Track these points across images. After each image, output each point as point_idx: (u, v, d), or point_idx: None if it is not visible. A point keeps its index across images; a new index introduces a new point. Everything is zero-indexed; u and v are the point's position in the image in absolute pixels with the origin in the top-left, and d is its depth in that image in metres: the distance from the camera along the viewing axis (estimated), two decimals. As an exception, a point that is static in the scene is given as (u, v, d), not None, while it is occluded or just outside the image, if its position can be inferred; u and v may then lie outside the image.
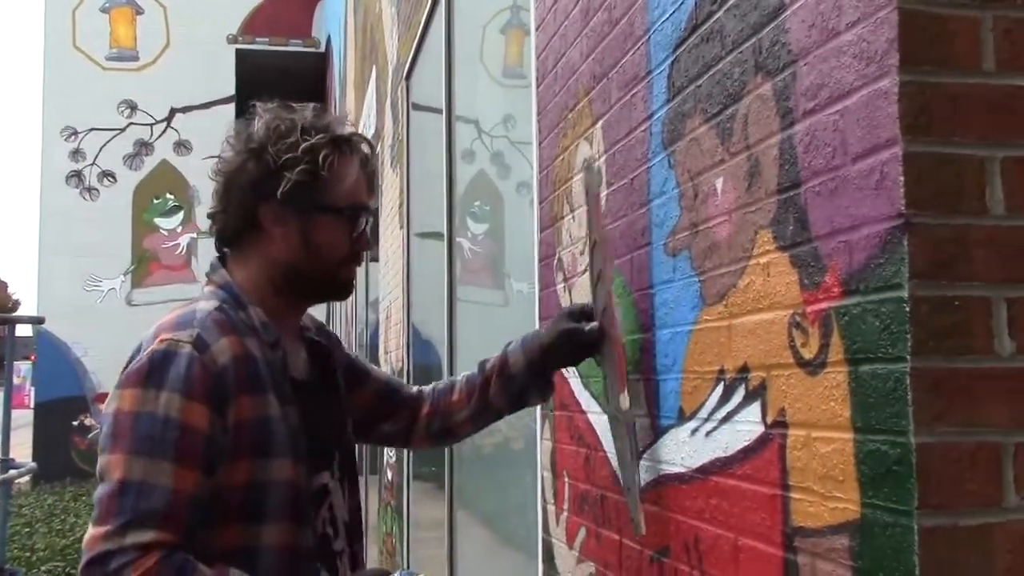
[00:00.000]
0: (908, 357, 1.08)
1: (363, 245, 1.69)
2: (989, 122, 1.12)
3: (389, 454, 7.00)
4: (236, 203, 1.62)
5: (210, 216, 1.68)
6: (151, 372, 1.48)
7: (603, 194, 1.96)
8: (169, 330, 1.53)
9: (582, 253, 2.28)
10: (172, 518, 1.42)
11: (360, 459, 7.63)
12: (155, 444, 1.44)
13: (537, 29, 2.74)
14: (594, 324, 1.85)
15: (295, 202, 1.59)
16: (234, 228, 1.65)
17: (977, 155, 1.11)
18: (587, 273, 2.23)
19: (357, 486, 1.79)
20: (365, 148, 1.69)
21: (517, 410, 1.97)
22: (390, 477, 6.94)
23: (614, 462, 2.03)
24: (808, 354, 1.28)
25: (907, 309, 1.08)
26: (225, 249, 1.69)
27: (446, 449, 4.84)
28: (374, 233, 8.23)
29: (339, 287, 1.71)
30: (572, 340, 1.84)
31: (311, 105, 1.66)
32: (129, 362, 1.53)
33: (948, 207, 1.10)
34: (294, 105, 1.65)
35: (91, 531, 1.43)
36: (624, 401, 1.79)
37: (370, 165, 1.70)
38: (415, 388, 1.98)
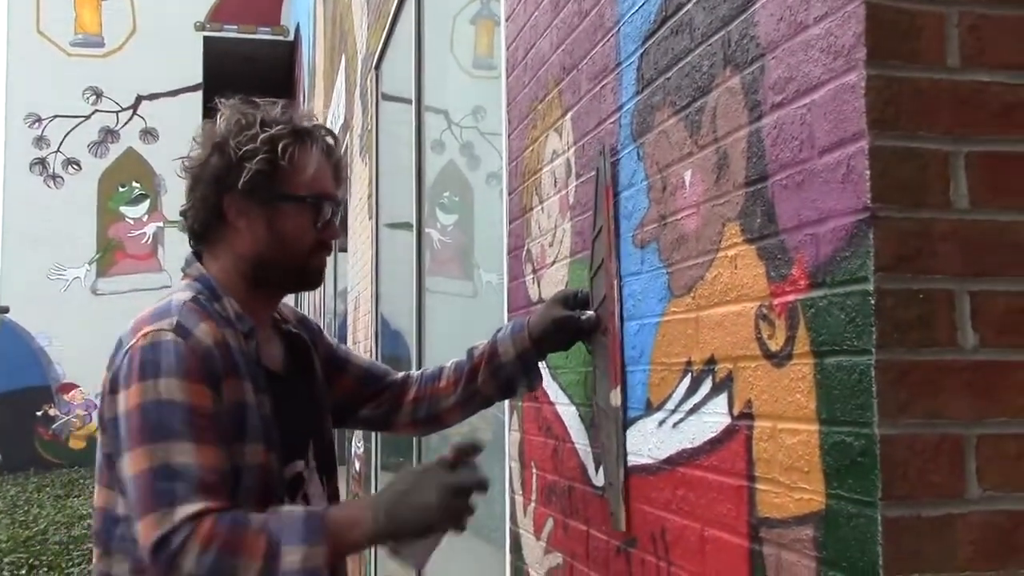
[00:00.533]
0: (873, 349, 1.08)
1: (331, 234, 1.70)
2: (954, 117, 1.13)
3: (357, 444, 6.98)
4: (202, 198, 1.64)
5: (182, 214, 1.70)
6: (143, 365, 1.50)
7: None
8: (148, 323, 1.55)
9: (551, 244, 2.28)
10: (208, 489, 1.46)
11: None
12: (167, 429, 1.47)
13: (507, 20, 2.74)
14: (590, 313, 1.85)
15: (257, 192, 1.61)
16: (203, 223, 1.67)
17: (942, 150, 1.12)
18: (556, 264, 2.23)
19: (335, 475, 1.82)
20: (328, 139, 1.71)
21: (506, 398, 1.99)
22: (358, 467, 6.92)
23: (582, 453, 2.03)
24: (775, 346, 1.29)
25: (872, 302, 1.09)
26: (199, 246, 1.70)
27: (414, 439, 4.83)
28: (343, 223, 8.20)
29: (308, 276, 1.72)
30: (564, 328, 1.84)
31: (279, 101, 1.69)
32: (112, 360, 1.56)
33: (913, 201, 1.11)
34: (258, 100, 1.67)
35: (140, 525, 1.46)
36: (615, 398, 1.78)
37: (334, 155, 1.71)
38: (402, 374, 1.99)
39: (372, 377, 1.96)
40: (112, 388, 1.54)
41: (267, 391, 1.60)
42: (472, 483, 1.54)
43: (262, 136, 1.59)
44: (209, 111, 1.69)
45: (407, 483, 1.55)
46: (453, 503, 1.52)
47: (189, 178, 1.66)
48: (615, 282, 1.79)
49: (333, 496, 1.79)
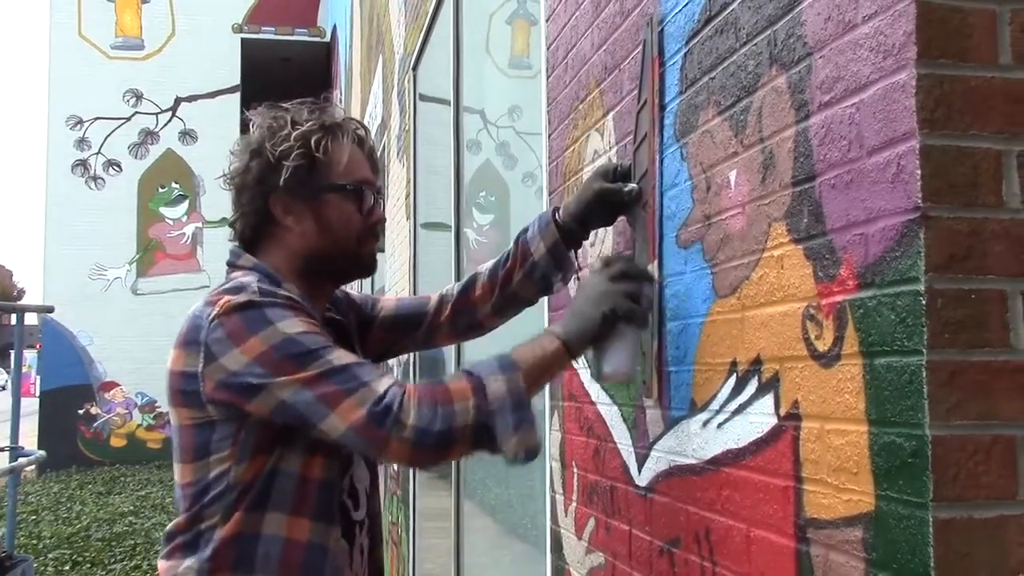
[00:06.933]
0: (924, 350, 1.08)
1: (377, 218, 1.75)
2: (1006, 116, 1.12)
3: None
4: (248, 203, 1.70)
5: (231, 224, 1.76)
6: (248, 323, 1.53)
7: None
8: (227, 295, 1.57)
9: (592, 245, 2.28)
10: (382, 370, 1.53)
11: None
12: (313, 352, 1.51)
13: (547, 20, 2.74)
14: (633, 185, 1.86)
15: (299, 188, 1.67)
16: (252, 227, 1.72)
17: (994, 148, 1.11)
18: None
19: (377, 465, 1.83)
20: (358, 130, 1.76)
21: (545, 295, 2.03)
22: (396, 467, 6.95)
23: (624, 453, 2.03)
24: (822, 346, 1.28)
25: (923, 302, 1.08)
26: (250, 250, 1.73)
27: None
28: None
29: (362, 263, 1.76)
30: (607, 201, 1.86)
31: (307, 100, 1.74)
32: (191, 334, 1.57)
33: (964, 200, 1.10)
34: (287, 105, 1.73)
35: (335, 413, 1.48)
36: (653, 271, 1.82)
37: (366, 144, 1.77)
38: (435, 298, 2.02)
39: (402, 320, 2.00)
40: (208, 357, 1.53)
41: None
42: (628, 268, 1.67)
43: (295, 134, 1.66)
44: (244, 121, 1.76)
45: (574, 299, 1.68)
46: (620, 286, 1.63)
47: (233, 188, 1.72)
48: (656, 156, 1.80)
49: (374, 482, 1.79)
